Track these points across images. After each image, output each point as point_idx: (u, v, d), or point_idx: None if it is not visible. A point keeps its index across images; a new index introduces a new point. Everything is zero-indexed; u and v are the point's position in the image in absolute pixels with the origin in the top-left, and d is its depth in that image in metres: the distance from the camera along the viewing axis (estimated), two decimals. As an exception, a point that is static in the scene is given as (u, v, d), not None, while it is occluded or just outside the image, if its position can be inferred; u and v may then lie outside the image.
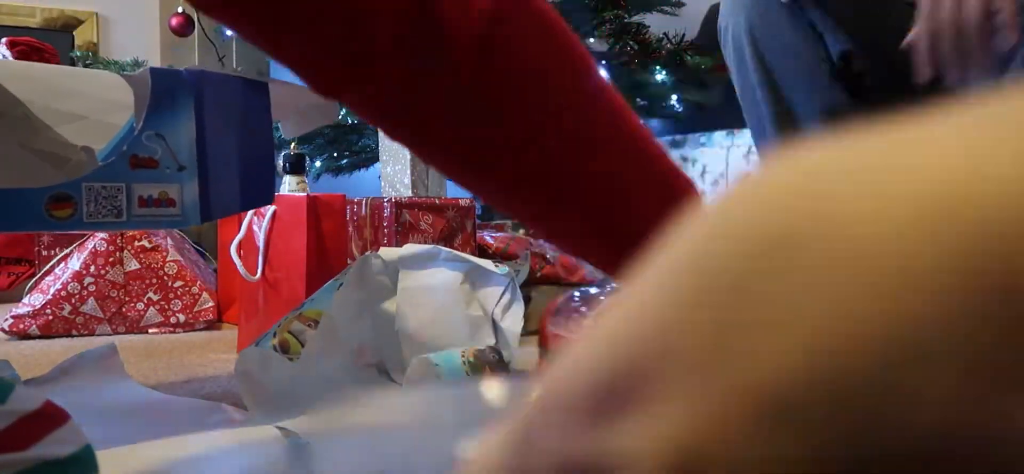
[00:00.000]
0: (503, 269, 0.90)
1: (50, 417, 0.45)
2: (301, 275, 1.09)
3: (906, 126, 0.10)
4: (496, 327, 0.88)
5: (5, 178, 0.65)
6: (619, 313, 0.12)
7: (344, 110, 1.82)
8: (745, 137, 1.80)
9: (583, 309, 0.88)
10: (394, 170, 1.33)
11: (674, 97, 1.91)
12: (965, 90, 0.73)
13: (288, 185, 1.32)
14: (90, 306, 1.35)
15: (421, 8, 0.45)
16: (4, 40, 2.01)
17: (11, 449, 0.42)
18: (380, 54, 0.46)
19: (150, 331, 1.38)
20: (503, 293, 0.89)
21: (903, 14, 0.89)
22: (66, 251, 1.45)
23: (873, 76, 0.96)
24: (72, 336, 1.34)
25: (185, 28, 2.19)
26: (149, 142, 0.74)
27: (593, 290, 0.92)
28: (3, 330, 1.32)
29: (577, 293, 0.95)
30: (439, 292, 0.89)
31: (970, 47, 0.73)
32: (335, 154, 2.03)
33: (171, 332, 1.38)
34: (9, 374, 0.83)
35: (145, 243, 1.39)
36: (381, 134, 1.35)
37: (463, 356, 0.78)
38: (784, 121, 1.00)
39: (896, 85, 0.89)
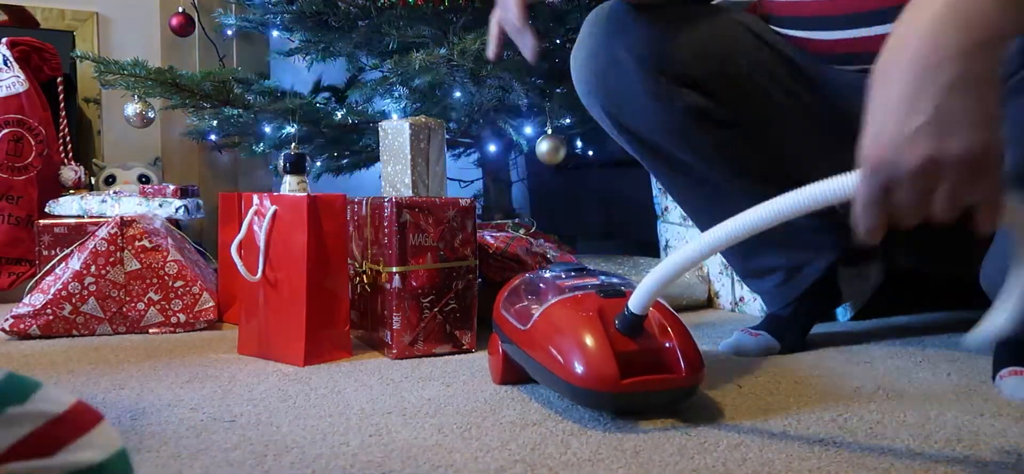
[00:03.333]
0: None
1: (80, 418, 0.40)
2: (302, 275, 1.09)
3: None
4: None
5: None
6: None
7: (344, 110, 1.82)
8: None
9: (532, 293, 0.90)
10: (394, 170, 1.33)
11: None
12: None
13: (288, 185, 1.32)
14: (91, 306, 1.35)
15: None
16: (4, 40, 2.01)
17: (37, 455, 0.38)
18: None
19: (151, 331, 1.38)
20: None
21: (744, 57, 1.04)
22: (66, 251, 1.45)
23: (721, 111, 1.07)
24: (73, 336, 1.34)
25: (185, 28, 2.19)
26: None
27: (545, 275, 0.93)
28: (3, 330, 1.32)
29: (528, 276, 0.96)
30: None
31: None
32: (335, 154, 2.03)
33: (172, 332, 1.38)
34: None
35: (145, 243, 1.39)
36: (381, 133, 1.35)
37: None
38: (663, 167, 1.13)
39: (743, 112, 1.05)
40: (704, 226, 1.19)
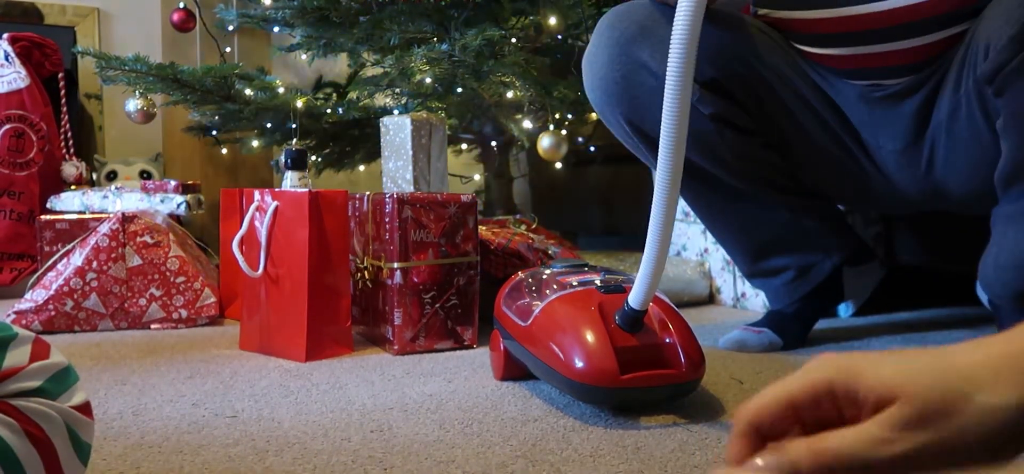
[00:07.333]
0: None
1: (35, 358, 0.51)
2: (303, 270, 1.09)
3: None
4: None
5: None
6: None
7: (345, 106, 1.82)
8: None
9: (533, 289, 0.90)
10: (396, 166, 1.33)
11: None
12: None
13: (290, 181, 1.32)
14: (92, 302, 1.35)
15: None
16: (6, 36, 2.01)
17: None
18: None
19: (152, 327, 1.38)
20: None
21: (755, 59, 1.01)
22: (68, 247, 1.45)
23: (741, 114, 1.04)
24: (75, 332, 1.34)
25: (187, 23, 2.19)
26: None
27: (545, 271, 0.93)
28: (6, 326, 1.32)
29: (529, 272, 0.96)
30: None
31: None
32: (337, 150, 2.03)
33: (173, 328, 1.38)
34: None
35: (147, 239, 1.39)
36: (383, 129, 1.35)
37: None
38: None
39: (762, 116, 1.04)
40: (716, 231, 1.18)
